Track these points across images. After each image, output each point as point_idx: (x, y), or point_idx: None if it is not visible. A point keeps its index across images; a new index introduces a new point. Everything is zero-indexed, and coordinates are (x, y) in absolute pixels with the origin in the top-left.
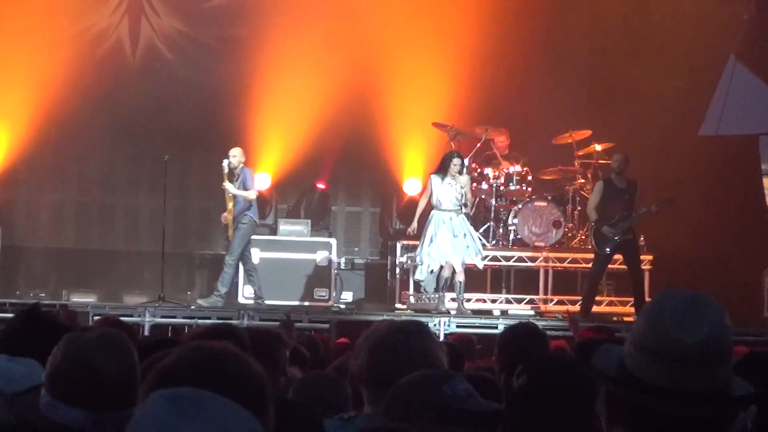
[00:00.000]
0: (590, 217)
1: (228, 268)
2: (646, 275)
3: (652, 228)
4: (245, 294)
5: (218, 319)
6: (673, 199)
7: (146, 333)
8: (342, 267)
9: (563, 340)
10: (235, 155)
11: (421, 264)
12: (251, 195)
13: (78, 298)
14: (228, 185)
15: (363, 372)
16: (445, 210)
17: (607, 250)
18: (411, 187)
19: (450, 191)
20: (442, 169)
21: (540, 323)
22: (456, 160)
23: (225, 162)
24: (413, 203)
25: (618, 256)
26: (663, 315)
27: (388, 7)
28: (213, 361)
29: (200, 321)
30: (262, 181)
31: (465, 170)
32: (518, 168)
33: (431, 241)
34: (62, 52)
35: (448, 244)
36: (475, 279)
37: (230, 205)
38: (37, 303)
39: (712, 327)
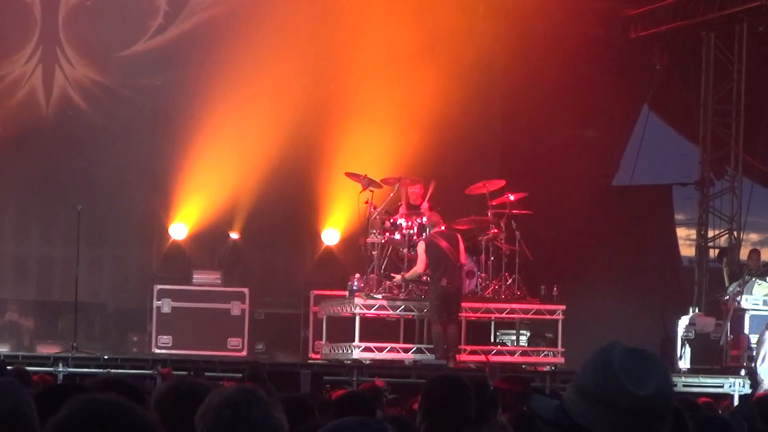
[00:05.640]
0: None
1: None
2: (559, 324)
3: (564, 277)
4: (159, 344)
5: (132, 369)
6: None
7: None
8: (255, 317)
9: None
10: None
11: None
12: None
13: None
14: None
15: None
16: None
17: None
18: (329, 237)
19: None
20: None
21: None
22: None
23: None
24: (329, 253)
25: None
26: (613, 367)
27: (304, 59)
28: (109, 413)
29: (113, 371)
30: (177, 231)
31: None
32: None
33: None
34: None
35: None
36: (388, 329)
37: None
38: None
39: (660, 382)
